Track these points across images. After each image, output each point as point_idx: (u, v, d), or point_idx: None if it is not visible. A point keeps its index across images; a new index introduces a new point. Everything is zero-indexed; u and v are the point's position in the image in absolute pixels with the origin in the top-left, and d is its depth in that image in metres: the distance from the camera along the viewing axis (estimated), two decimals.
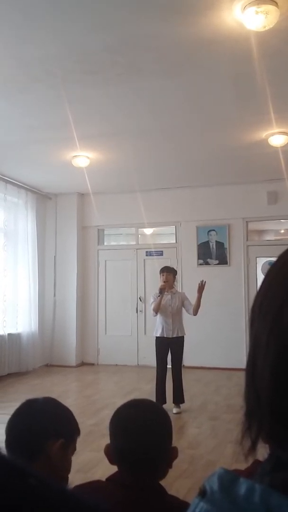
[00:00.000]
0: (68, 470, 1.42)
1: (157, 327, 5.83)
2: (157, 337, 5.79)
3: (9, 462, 0.50)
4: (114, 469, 1.38)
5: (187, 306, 5.79)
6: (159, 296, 5.72)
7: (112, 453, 1.36)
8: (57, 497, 0.48)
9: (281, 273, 0.50)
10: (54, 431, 1.38)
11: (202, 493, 0.42)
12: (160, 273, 5.90)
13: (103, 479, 1.37)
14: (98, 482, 1.37)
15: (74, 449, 1.45)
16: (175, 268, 6.29)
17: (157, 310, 5.71)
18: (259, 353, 0.47)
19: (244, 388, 0.50)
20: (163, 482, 1.38)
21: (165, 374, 5.72)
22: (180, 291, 7.59)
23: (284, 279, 0.48)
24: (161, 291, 5.72)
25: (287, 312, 0.45)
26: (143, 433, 1.33)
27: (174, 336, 5.71)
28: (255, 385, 0.48)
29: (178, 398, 5.62)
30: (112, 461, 1.36)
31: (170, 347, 5.73)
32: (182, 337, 5.80)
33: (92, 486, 1.31)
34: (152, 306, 5.78)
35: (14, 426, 1.42)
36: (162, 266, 6.04)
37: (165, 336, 5.71)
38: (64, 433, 1.40)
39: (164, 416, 1.44)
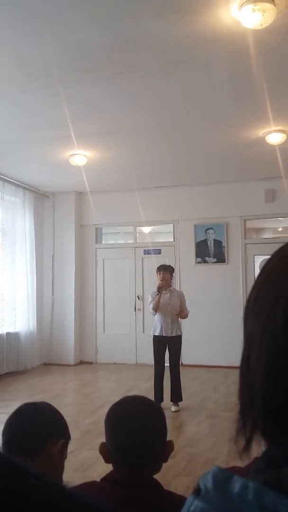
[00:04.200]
0: (62, 473, 1.45)
1: (155, 325, 5.82)
2: (155, 336, 5.79)
3: (9, 461, 0.50)
4: (111, 468, 1.38)
5: (182, 305, 5.79)
6: (157, 294, 5.72)
7: (107, 450, 1.36)
8: (58, 497, 0.47)
9: (275, 271, 0.50)
10: (54, 432, 1.43)
11: (197, 491, 0.42)
12: (157, 272, 5.89)
13: (101, 477, 1.37)
14: (92, 483, 1.37)
15: (66, 456, 1.48)
16: (172, 266, 6.29)
17: (156, 309, 5.70)
18: (253, 351, 0.47)
19: (238, 386, 0.50)
20: (161, 480, 1.38)
21: (163, 372, 5.72)
22: (179, 289, 7.62)
23: (278, 277, 0.48)
24: (159, 289, 5.72)
25: (280, 310, 0.45)
26: (137, 428, 1.34)
27: (173, 335, 5.71)
28: (249, 383, 0.48)
29: (176, 397, 5.63)
30: (107, 460, 1.37)
31: (168, 346, 5.73)
32: (180, 336, 5.80)
33: (87, 488, 1.31)
34: (151, 305, 5.77)
35: (14, 425, 1.44)
36: (159, 265, 6.04)
37: (163, 335, 5.70)
38: (62, 435, 1.45)
39: (157, 410, 1.46)
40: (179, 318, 5.82)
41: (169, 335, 5.70)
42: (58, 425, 1.47)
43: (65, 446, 1.43)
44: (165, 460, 1.40)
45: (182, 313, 5.76)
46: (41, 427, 1.42)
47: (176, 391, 5.64)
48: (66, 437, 1.47)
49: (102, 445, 1.38)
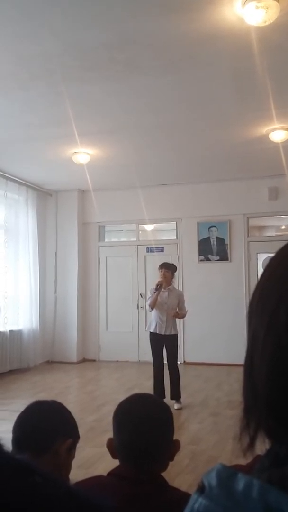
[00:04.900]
0: (69, 472, 1.45)
1: (150, 321, 5.84)
2: (150, 333, 5.81)
3: (14, 460, 0.50)
4: (115, 464, 1.38)
5: (180, 305, 5.80)
6: (155, 292, 5.71)
7: (114, 446, 1.37)
8: (62, 494, 0.48)
9: (278, 269, 0.50)
10: (63, 431, 1.43)
11: (201, 489, 0.42)
12: (159, 269, 5.88)
13: (108, 472, 1.38)
14: (99, 477, 1.38)
15: (74, 455, 1.48)
16: (176, 265, 6.26)
17: (153, 306, 5.70)
18: (257, 350, 0.47)
19: (242, 384, 0.50)
20: (164, 477, 1.38)
21: (162, 369, 5.73)
22: (181, 288, 7.61)
23: (281, 276, 0.48)
24: (158, 287, 5.71)
25: (284, 309, 0.45)
26: (145, 425, 1.35)
27: (167, 333, 5.70)
28: (253, 382, 0.48)
29: (175, 395, 5.63)
30: (114, 455, 1.37)
31: (164, 344, 5.73)
32: (176, 335, 5.79)
33: (94, 482, 1.32)
34: (148, 302, 5.77)
35: (24, 422, 1.45)
36: (162, 262, 6.03)
37: (157, 332, 5.71)
38: (71, 434, 1.45)
39: (166, 410, 1.45)
40: (176, 318, 5.81)
41: (163, 333, 5.70)
42: (67, 424, 1.48)
43: (73, 445, 1.44)
44: (171, 459, 1.41)
45: (179, 313, 5.76)
46: (50, 425, 1.43)
47: (175, 389, 5.64)
48: (75, 436, 1.48)
49: (110, 441, 1.39)
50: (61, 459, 1.38)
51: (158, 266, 6.01)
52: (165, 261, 6.13)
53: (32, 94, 4.71)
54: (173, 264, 6.06)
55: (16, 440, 1.41)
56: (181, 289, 7.65)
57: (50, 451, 1.37)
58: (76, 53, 3.91)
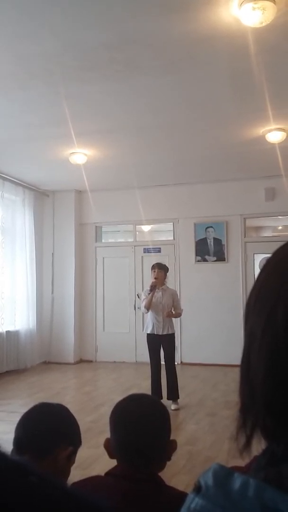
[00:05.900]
0: (67, 477, 1.45)
1: (147, 323, 5.86)
2: (148, 334, 5.82)
3: (10, 460, 0.50)
4: (112, 465, 1.38)
5: (175, 304, 5.81)
6: (149, 293, 5.73)
7: (112, 446, 1.37)
8: (58, 495, 0.48)
9: (276, 269, 0.50)
10: (64, 436, 1.43)
11: (197, 489, 0.42)
12: (151, 269, 5.90)
13: (105, 472, 1.38)
14: (97, 477, 1.39)
15: (74, 461, 1.47)
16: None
17: (148, 307, 5.72)
18: (254, 349, 0.48)
19: (239, 384, 0.50)
20: (161, 477, 1.39)
21: (160, 370, 5.73)
22: (178, 288, 7.61)
23: (278, 276, 0.49)
24: (152, 288, 5.73)
25: (281, 309, 0.46)
26: (142, 425, 1.35)
27: (164, 333, 5.72)
28: (250, 381, 0.48)
29: (173, 395, 5.63)
30: (111, 455, 1.38)
31: (161, 344, 5.75)
32: (173, 335, 5.82)
33: (92, 482, 1.32)
34: (143, 303, 5.79)
35: (27, 423, 1.44)
36: (154, 263, 6.05)
37: (155, 333, 5.73)
38: (73, 441, 1.44)
39: (163, 410, 1.46)
40: (171, 317, 5.82)
41: (161, 333, 5.72)
42: (69, 430, 1.47)
43: (73, 452, 1.43)
44: (169, 458, 1.42)
45: (174, 313, 5.78)
46: (52, 429, 1.42)
47: (173, 389, 5.65)
48: (77, 443, 1.47)
49: (107, 441, 1.39)
50: (59, 465, 1.37)
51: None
52: (158, 262, 6.15)
53: (31, 94, 4.70)
54: (165, 264, 6.09)
55: (17, 441, 1.41)
56: (178, 290, 7.66)
57: (50, 455, 1.37)
58: (76, 53, 3.91)
